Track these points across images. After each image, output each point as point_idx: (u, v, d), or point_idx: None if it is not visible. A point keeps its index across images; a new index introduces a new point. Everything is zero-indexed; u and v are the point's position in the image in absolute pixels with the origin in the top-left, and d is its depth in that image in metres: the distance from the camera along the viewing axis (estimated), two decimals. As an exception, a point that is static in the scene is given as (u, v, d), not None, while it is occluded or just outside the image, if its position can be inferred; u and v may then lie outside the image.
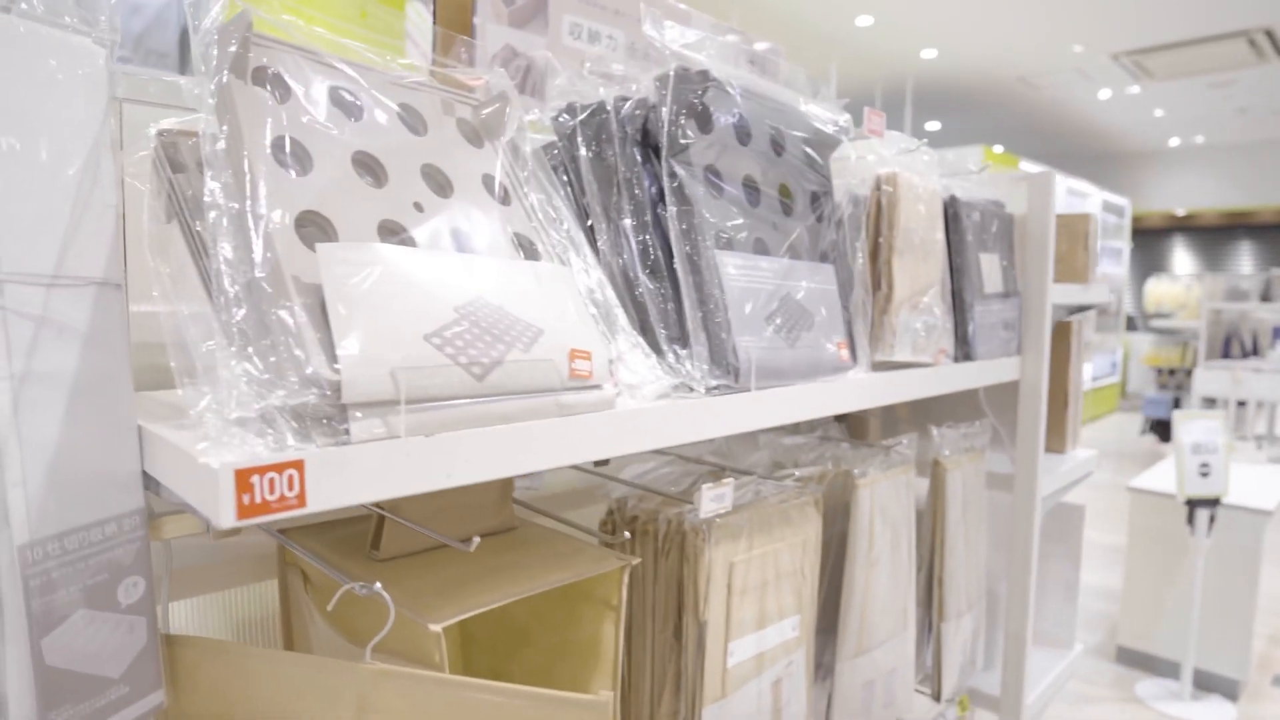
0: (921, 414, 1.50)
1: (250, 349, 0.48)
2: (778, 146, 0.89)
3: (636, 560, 0.76)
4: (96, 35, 0.56)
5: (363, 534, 0.78)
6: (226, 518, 0.44)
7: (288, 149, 0.55)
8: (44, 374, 0.51)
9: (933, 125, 9.48)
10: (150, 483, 0.57)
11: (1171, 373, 7.13)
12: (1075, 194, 7.96)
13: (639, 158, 0.77)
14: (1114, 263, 8.83)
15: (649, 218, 0.77)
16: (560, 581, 0.69)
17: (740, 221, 0.81)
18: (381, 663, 0.58)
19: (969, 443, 1.28)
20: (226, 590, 0.85)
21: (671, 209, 0.75)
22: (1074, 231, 1.44)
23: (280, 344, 0.48)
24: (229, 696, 0.60)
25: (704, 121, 0.80)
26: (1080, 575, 1.67)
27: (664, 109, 0.77)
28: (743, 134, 0.85)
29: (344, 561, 0.73)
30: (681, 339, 0.76)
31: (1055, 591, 1.67)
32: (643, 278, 0.75)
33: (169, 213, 0.61)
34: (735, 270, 0.78)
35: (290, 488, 0.46)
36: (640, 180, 0.77)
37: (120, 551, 0.55)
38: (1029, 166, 7.10)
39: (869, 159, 1.03)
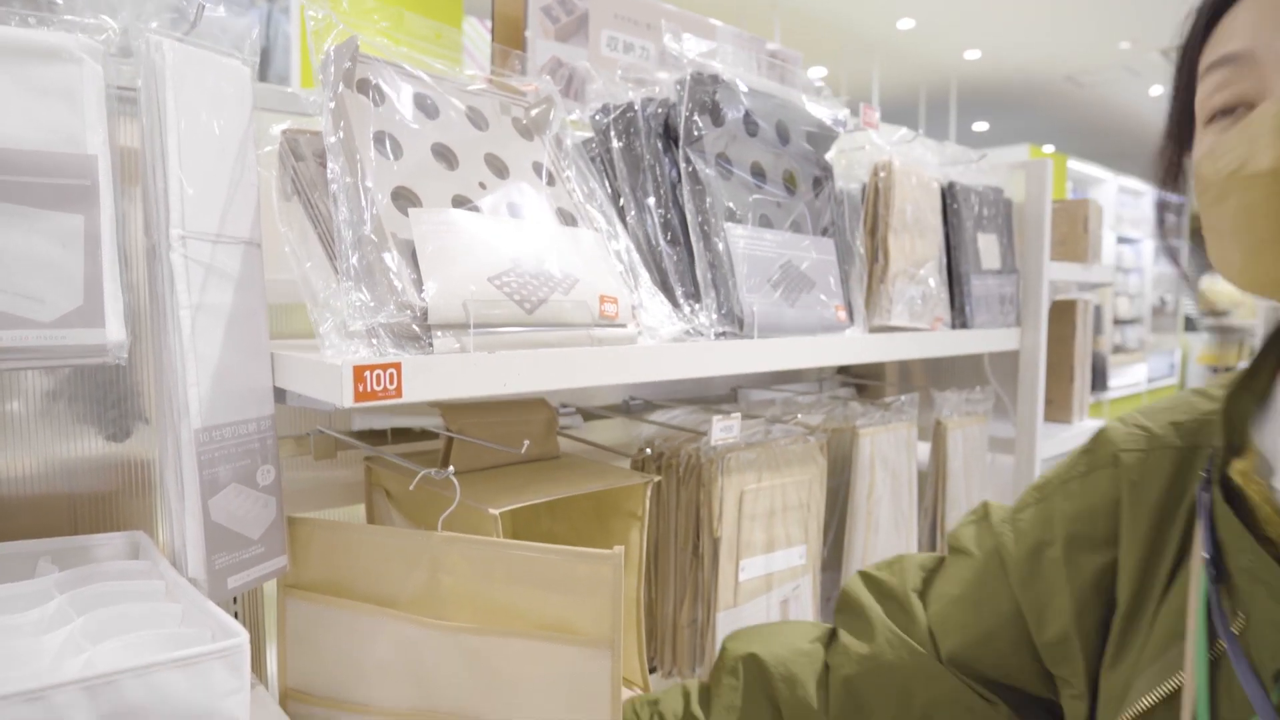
0: (934, 383, 1.62)
1: (362, 284, 0.65)
2: (783, 137, 1.05)
3: (659, 478, 0.91)
4: (243, 58, 0.74)
5: (434, 459, 0.95)
6: (347, 400, 0.61)
7: (386, 142, 0.73)
8: (210, 306, 0.69)
9: (980, 126, 9.45)
10: (278, 395, 0.75)
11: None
12: (1127, 192, 7.84)
13: (661, 148, 0.94)
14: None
15: (669, 197, 0.93)
16: (595, 488, 0.86)
17: (747, 199, 0.97)
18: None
19: (970, 407, 1.41)
20: (322, 510, 1.03)
21: (686, 189, 0.90)
22: (1074, 215, 1.55)
23: (382, 280, 0.65)
24: (335, 561, 0.77)
25: (716, 116, 0.96)
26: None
27: (681, 106, 0.93)
28: (751, 127, 1.00)
29: (420, 476, 0.90)
30: (696, 295, 0.91)
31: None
32: (663, 245, 0.91)
33: (291, 192, 0.79)
34: (743, 240, 0.94)
35: (391, 382, 0.63)
36: (662, 166, 0.93)
37: (257, 445, 0.73)
38: (1077, 166, 7.05)
39: (866, 149, 1.18)
